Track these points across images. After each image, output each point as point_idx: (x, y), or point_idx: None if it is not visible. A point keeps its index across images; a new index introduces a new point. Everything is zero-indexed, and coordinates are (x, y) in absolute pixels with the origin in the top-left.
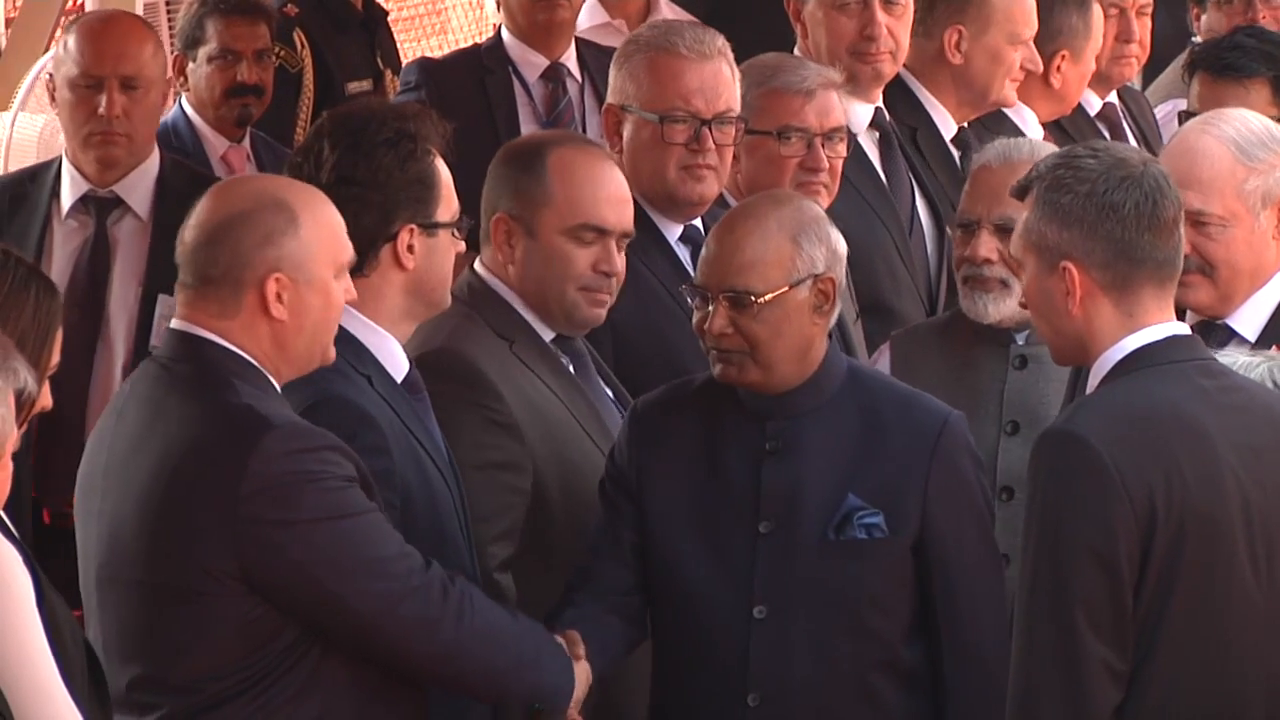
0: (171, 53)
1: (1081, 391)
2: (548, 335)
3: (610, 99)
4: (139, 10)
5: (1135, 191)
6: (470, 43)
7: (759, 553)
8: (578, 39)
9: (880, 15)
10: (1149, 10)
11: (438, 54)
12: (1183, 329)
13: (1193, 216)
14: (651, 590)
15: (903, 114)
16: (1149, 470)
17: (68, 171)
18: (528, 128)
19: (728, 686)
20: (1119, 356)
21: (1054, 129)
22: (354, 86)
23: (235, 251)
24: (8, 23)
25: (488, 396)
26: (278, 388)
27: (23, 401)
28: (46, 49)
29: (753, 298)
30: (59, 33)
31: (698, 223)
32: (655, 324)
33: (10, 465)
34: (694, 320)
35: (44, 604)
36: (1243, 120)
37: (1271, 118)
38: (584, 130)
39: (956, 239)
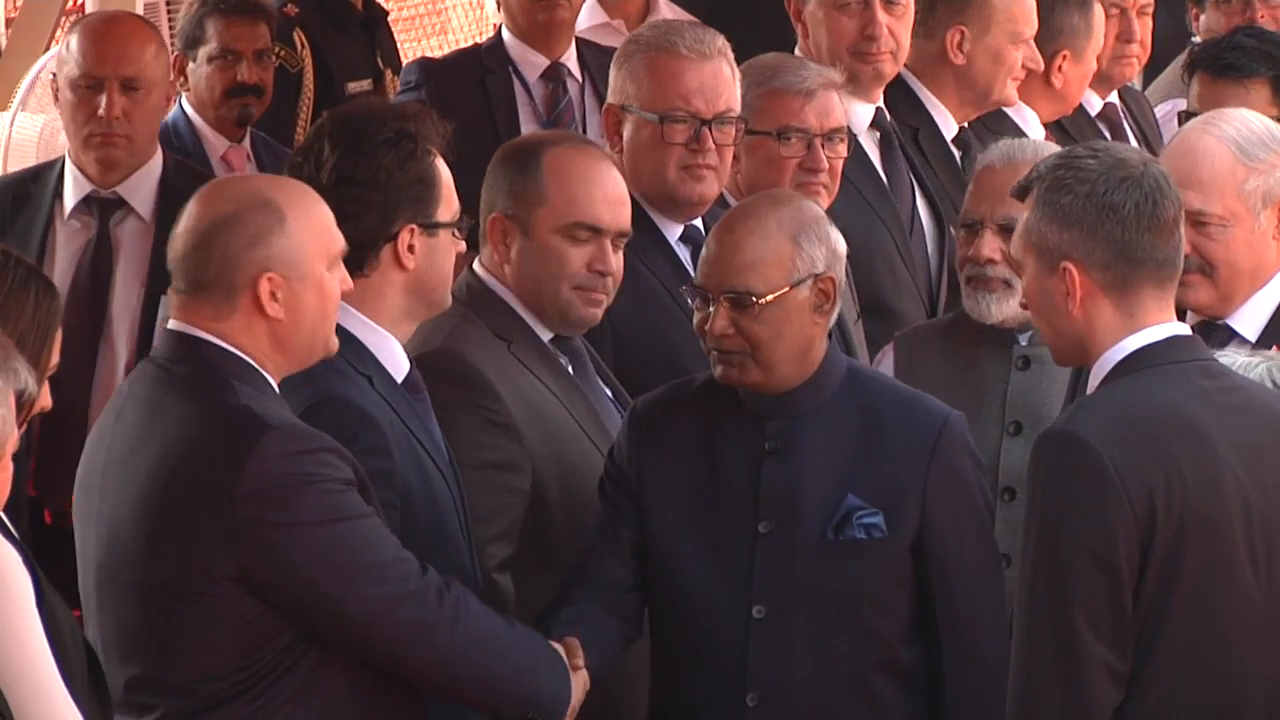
0: (171, 53)
1: (1082, 392)
2: (546, 335)
3: (610, 99)
4: (139, 10)
5: (1135, 192)
6: (470, 43)
7: (758, 552)
8: (578, 39)
9: (881, 15)
10: (1150, 10)
11: (438, 54)
12: (1183, 329)
13: (1193, 216)
14: (651, 590)
15: (904, 114)
16: (1149, 471)
17: (70, 172)
18: (528, 128)
19: (727, 686)
20: (1119, 357)
21: (1055, 129)
22: (354, 86)
23: (225, 255)
24: (8, 23)
25: (486, 397)
26: (276, 388)
27: (23, 402)
28: (46, 49)
29: (753, 298)
30: (59, 33)
31: (698, 223)
32: (655, 324)
33: (10, 466)
34: (694, 321)
35: (44, 604)
36: (1243, 120)
37: (1271, 117)
38: (584, 130)
39: (960, 239)
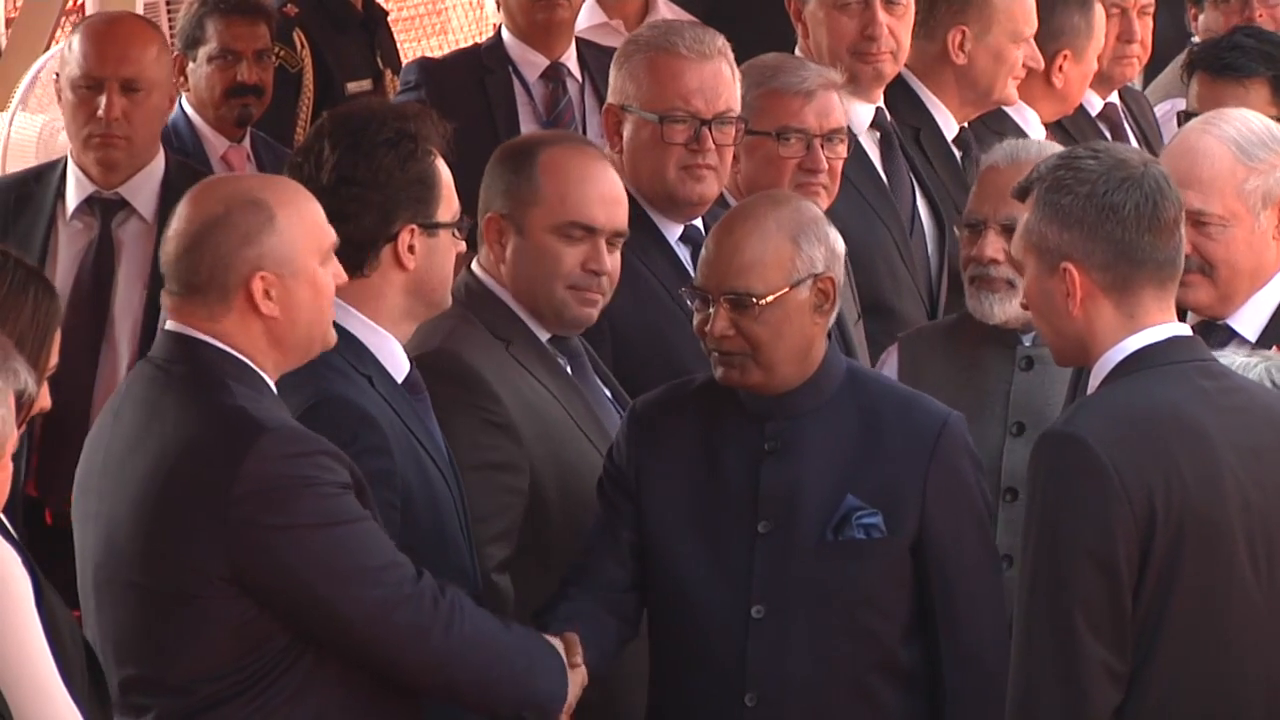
0: (171, 53)
1: (1082, 393)
2: (544, 336)
3: (610, 99)
4: (139, 10)
5: (1135, 193)
6: (470, 43)
7: (757, 553)
8: (578, 39)
9: (881, 15)
10: (1150, 10)
11: (438, 54)
12: (1184, 330)
13: (1193, 216)
14: (650, 590)
15: (905, 114)
16: (1148, 471)
17: (73, 173)
18: (528, 127)
19: (725, 686)
20: (1120, 357)
21: (1056, 129)
22: (354, 86)
23: (216, 256)
24: (8, 23)
25: (484, 398)
26: (273, 387)
27: (22, 402)
28: (46, 49)
29: (754, 299)
30: (59, 33)
31: (698, 223)
32: (655, 324)
33: (10, 466)
34: (694, 322)
35: (43, 604)
36: (1244, 120)
37: (1270, 117)
38: (584, 130)
39: (964, 239)
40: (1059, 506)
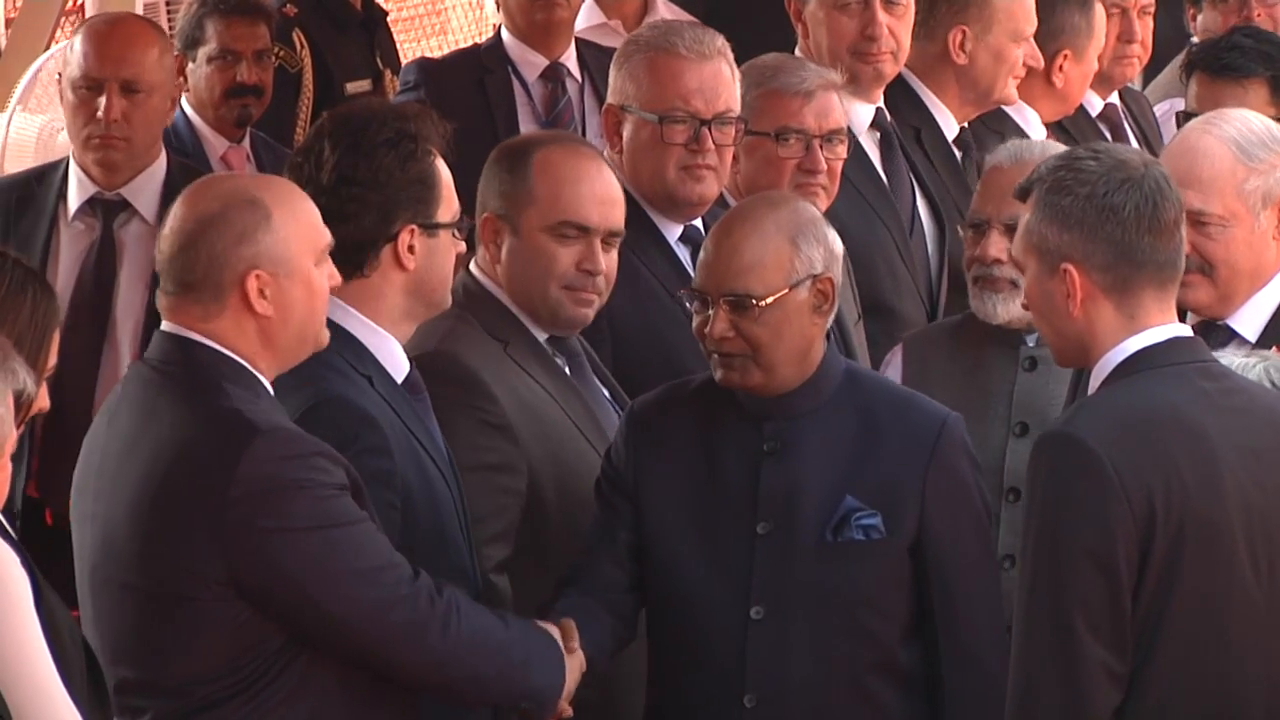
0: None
1: (1083, 393)
2: (542, 336)
3: (610, 99)
4: (139, 10)
5: (1136, 194)
6: (470, 43)
7: (757, 554)
8: (577, 39)
9: (881, 15)
10: (1151, 10)
11: (437, 54)
12: (1184, 331)
13: (1193, 216)
14: (649, 591)
15: (906, 114)
16: (1148, 472)
17: (74, 174)
18: (527, 128)
19: (725, 687)
20: (1120, 358)
21: (1056, 129)
22: (354, 86)
23: (211, 254)
24: (8, 23)
25: (481, 398)
26: (270, 389)
27: (21, 402)
28: (46, 49)
29: (753, 300)
30: (59, 32)
31: (698, 223)
32: (654, 324)
33: (9, 466)
34: (694, 324)
35: (42, 604)
36: (1244, 120)
37: (1270, 117)
38: (584, 131)
39: (967, 239)
40: (1059, 507)
